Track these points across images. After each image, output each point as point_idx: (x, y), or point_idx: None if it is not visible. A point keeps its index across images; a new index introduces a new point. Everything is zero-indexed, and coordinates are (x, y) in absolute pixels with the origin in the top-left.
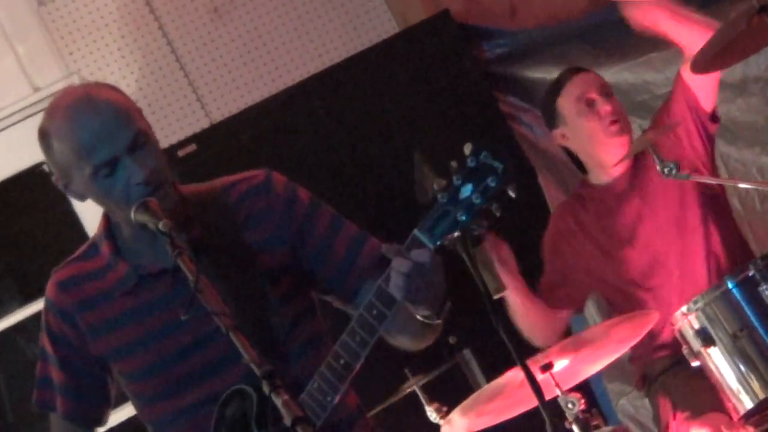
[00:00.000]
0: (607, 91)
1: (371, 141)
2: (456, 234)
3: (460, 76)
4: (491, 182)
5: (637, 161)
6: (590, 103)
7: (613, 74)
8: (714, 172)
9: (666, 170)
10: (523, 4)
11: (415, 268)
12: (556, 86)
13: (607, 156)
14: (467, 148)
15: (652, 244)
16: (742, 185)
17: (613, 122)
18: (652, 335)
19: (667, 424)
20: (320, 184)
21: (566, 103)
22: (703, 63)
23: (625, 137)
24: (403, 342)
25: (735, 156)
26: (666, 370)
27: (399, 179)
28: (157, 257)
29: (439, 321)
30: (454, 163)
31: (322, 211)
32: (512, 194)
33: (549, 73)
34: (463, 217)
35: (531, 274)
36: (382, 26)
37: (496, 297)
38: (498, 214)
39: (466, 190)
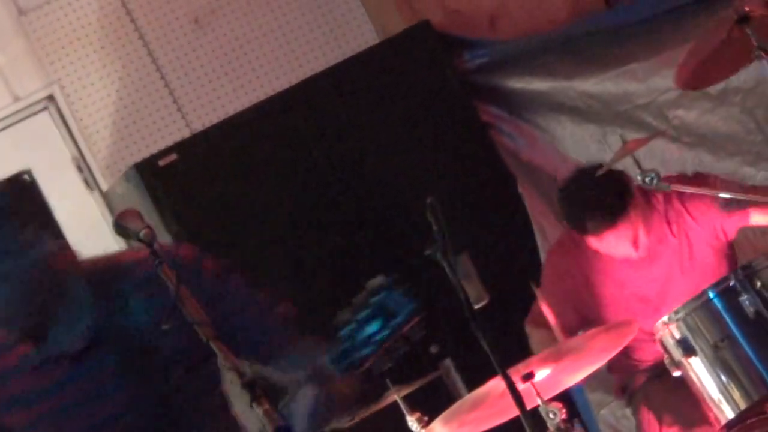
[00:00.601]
0: (637, 241)
1: (352, 151)
2: (368, 364)
3: (441, 86)
4: (398, 320)
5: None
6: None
7: (594, 84)
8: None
9: (647, 180)
10: (503, 15)
11: (319, 400)
12: (583, 228)
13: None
14: (375, 282)
15: (649, 297)
16: (723, 195)
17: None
18: (631, 347)
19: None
20: (301, 193)
21: (592, 243)
22: (689, 77)
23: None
24: None
25: (715, 166)
26: (646, 382)
27: (380, 188)
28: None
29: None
30: (355, 300)
31: (229, 283)
32: (418, 336)
33: (530, 84)
34: (367, 352)
35: (511, 283)
36: (363, 36)
37: (477, 307)
38: (402, 352)
39: (371, 328)
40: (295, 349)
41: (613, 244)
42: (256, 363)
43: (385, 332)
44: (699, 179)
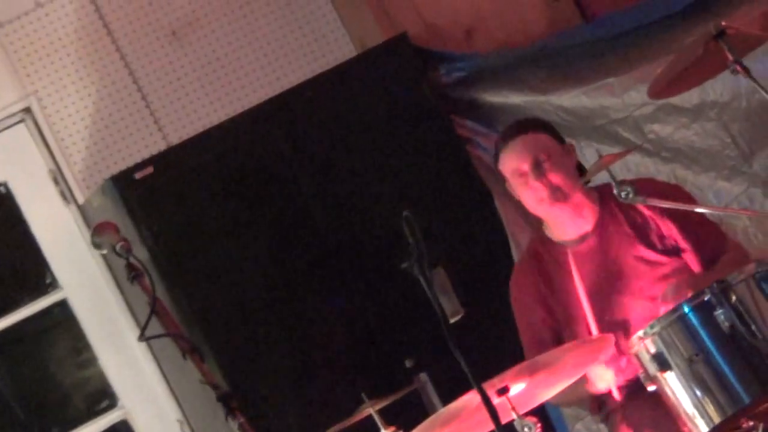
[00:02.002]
0: (540, 159)
1: (328, 163)
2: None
3: (417, 99)
4: None
5: (602, 215)
6: (522, 175)
7: (571, 99)
8: None
9: (623, 194)
10: (480, 28)
11: None
12: (496, 151)
13: (551, 221)
14: None
15: (617, 306)
16: (699, 210)
17: (545, 197)
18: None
19: None
20: (277, 206)
21: (504, 170)
22: (660, 88)
23: (561, 205)
24: None
25: (691, 181)
26: (624, 398)
27: (356, 201)
28: None
29: None
30: None
31: None
32: None
33: (506, 98)
34: None
35: (486, 297)
36: (340, 49)
37: (452, 321)
38: None
39: None
40: None
41: (515, 157)
42: None
43: None
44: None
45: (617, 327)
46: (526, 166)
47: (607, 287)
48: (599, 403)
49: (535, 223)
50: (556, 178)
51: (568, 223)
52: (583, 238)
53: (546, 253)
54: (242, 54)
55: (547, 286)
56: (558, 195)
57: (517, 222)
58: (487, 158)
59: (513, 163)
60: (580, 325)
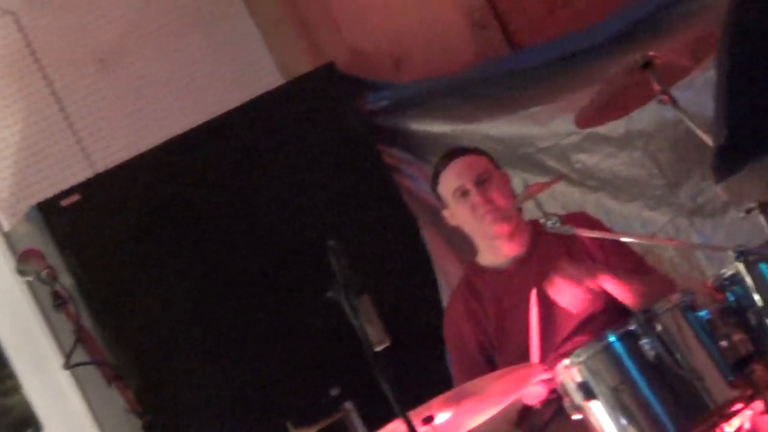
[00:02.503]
0: (482, 178)
1: (255, 191)
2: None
3: (344, 127)
4: None
5: (535, 244)
6: (464, 193)
7: (496, 127)
8: None
9: (549, 223)
10: (407, 57)
11: None
12: (436, 173)
13: (490, 242)
14: None
15: (545, 333)
16: (624, 239)
17: (486, 213)
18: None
19: None
20: (205, 233)
21: (444, 193)
22: (588, 117)
23: (502, 226)
24: None
25: (618, 210)
26: (553, 417)
27: (283, 229)
28: None
29: None
30: None
31: None
32: None
33: (433, 126)
34: None
35: (412, 326)
36: (267, 78)
37: (378, 349)
38: None
39: None
40: None
41: (456, 176)
42: None
43: None
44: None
45: (553, 348)
46: (469, 184)
47: (543, 311)
48: (530, 426)
49: (467, 252)
50: (498, 198)
51: (505, 245)
52: (517, 262)
53: (480, 280)
54: (169, 82)
55: (482, 312)
56: (498, 215)
57: (444, 251)
58: (414, 187)
59: (456, 181)
60: (514, 350)
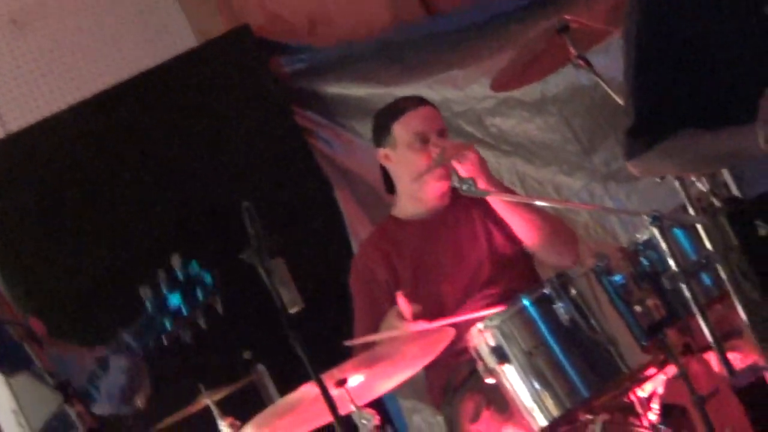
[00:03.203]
0: (443, 132)
1: (169, 154)
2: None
3: (259, 90)
4: (199, 294)
5: (454, 202)
6: (425, 141)
7: (413, 91)
8: None
9: (464, 187)
10: (323, 20)
11: (129, 372)
12: (397, 109)
13: (423, 193)
14: (175, 260)
15: (461, 281)
16: (539, 203)
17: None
18: (454, 341)
19: (476, 414)
20: (118, 195)
21: (402, 131)
22: (504, 81)
23: (444, 183)
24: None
25: (532, 174)
26: (473, 372)
27: (196, 192)
28: None
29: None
30: (162, 273)
31: None
32: (219, 310)
33: (349, 90)
34: (168, 326)
35: (326, 288)
36: (182, 40)
37: (292, 311)
38: (203, 326)
39: (174, 300)
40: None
41: (423, 121)
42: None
43: (188, 305)
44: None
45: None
46: (432, 133)
47: (454, 260)
48: (444, 386)
49: (380, 215)
50: (448, 144)
51: (431, 201)
52: (438, 215)
53: (398, 230)
54: (83, 43)
55: (398, 257)
56: (446, 171)
57: (357, 214)
58: (329, 150)
59: (421, 125)
60: (431, 298)
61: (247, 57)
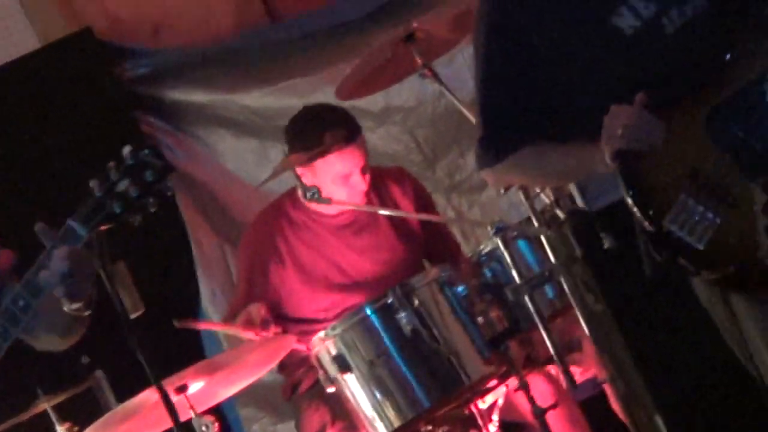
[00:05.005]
0: (365, 166)
1: (9, 157)
2: (110, 225)
3: (101, 95)
4: (148, 177)
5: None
6: (346, 177)
7: (256, 99)
8: None
9: (309, 195)
10: (166, 25)
11: (72, 258)
12: (322, 146)
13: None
14: (126, 149)
15: (355, 286)
16: (383, 212)
17: (360, 194)
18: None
19: (321, 430)
20: None
21: (325, 169)
22: (349, 89)
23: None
24: (52, 342)
25: None
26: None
27: (35, 197)
28: None
29: (89, 312)
30: (112, 163)
31: None
32: (169, 192)
33: (192, 96)
34: (118, 209)
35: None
36: (23, 42)
37: (132, 316)
38: (153, 210)
39: (123, 184)
40: None
41: (347, 164)
42: None
43: (138, 188)
44: None
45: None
46: (356, 171)
47: (351, 259)
48: (293, 385)
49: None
50: (367, 179)
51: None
52: (339, 214)
53: (301, 214)
54: None
55: (294, 237)
56: (363, 196)
57: (199, 222)
58: (171, 156)
59: (345, 167)
60: (319, 288)
61: (89, 61)
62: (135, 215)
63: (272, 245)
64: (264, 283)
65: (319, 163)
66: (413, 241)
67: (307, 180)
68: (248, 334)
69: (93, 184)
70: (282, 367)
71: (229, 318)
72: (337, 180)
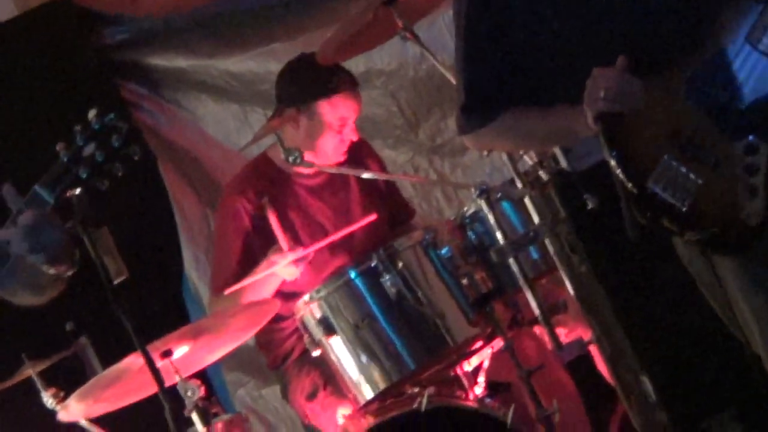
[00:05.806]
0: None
1: None
2: (77, 191)
3: (80, 62)
4: (115, 141)
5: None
6: (343, 125)
7: (235, 63)
8: None
9: (291, 158)
10: None
11: (37, 221)
12: (329, 85)
13: (317, 162)
14: (91, 113)
15: (337, 246)
16: (366, 175)
17: (342, 148)
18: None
19: (313, 393)
20: None
21: (326, 111)
22: (329, 53)
23: (339, 159)
24: (27, 298)
25: None
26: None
27: (17, 166)
28: None
29: (71, 271)
30: (78, 127)
31: None
32: (136, 156)
33: (171, 61)
34: (84, 174)
35: (149, 259)
36: (1, 9)
37: (116, 282)
38: (120, 174)
39: (89, 149)
40: None
41: (349, 108)
42: None
43: (104, 153)
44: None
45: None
46: (352, 120)
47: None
48: (283, 356)
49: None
50: (356, 132)
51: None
52: (315, 175)
53: (274, 172)
54: None
55: (277, 201)
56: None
57: (181, 187)
58: (153, 122)
59: (347, 111)
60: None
61: (69, 28)
62: (102, 180)
63: (258, 206)
64: (263, 246)
65: (322, 105)
66: (381, 203)
67: (293, 131)
68: (286, 268)
69: (59, 147)
70: (261, 345)
71: (223, 288)
72: (334, 125)
